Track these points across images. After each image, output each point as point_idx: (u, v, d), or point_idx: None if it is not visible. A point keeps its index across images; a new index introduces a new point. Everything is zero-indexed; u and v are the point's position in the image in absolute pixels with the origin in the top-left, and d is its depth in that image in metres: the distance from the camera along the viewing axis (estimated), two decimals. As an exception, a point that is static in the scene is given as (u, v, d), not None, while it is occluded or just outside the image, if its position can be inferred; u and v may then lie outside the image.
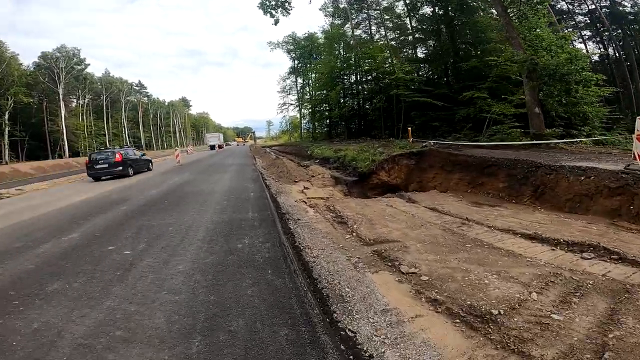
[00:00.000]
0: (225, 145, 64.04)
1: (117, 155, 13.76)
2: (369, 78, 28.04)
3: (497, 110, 14.95)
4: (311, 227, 5.49)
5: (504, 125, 14.31)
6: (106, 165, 13.76)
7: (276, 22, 22.75)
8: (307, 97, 46.68)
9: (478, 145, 11.85)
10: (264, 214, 5.96)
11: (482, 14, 23.02)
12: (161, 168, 17.28)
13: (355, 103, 27.30)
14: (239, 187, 8.84)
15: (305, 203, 7.68)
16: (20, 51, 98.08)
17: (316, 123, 42.12)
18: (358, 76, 30.45)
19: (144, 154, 18.25)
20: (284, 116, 54.58)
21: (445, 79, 24.83)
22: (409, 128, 14.47)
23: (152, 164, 17.72)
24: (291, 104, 50.15)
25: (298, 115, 52.45)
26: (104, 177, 13.79)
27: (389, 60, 22.35)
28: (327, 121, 38.70)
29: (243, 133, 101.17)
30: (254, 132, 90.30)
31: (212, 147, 51.57)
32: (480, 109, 17.43)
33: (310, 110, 43.82)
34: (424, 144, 11.97)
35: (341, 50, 31.83)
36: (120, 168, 13.67)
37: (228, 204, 6.77)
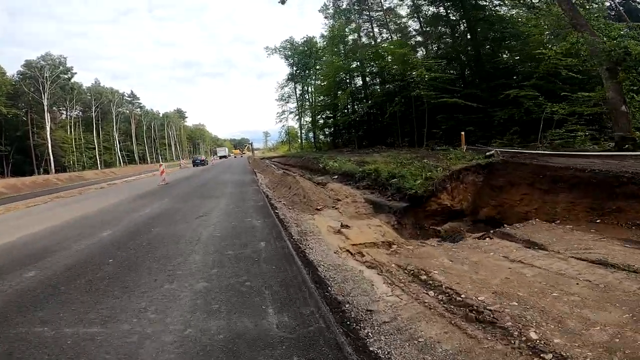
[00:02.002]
0: (223, 158, 69.24)
1: (202, 158, 47.38)
2: (378, 80, 25.19)
3: (560, 111, 12.06)
4: (416, 339, 2.38)
5: (580, 127, 11.40)
6: (199, 161, 40.82)
7: (283, 0, 20.21)
8: (307, 104, 43.95)
9: (557, 154, 8.81)
10: (301, 314, 2.61)
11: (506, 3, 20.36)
12: (140, 189, 14.04)
13: (365, 108, 24.28)
14: (239, 228, 5.59)
15: (353, 256, 4.56)
16: (15, 63, 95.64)
17: (318, 132, 39.23)
18: (366, 79, 27.72)
19: (205, 158, 51.39)
20: (283, 125, 51.58)
21: (461, 80, 21.93)
22: (462, 133, 11.46)
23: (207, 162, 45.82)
24: (291, 112, 47.25)
25: (297, 125, 49.62)
26: (198, 165, 38.53)
27: (406, 57, 19.43)
28: (332, 129, 35.83)
29: (240, 144, 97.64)
30: (251, 144, 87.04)
31: (222, 157, 66.17)
32: (527, 109, 14.59)
33: (311, 118, 41.06)
34: (487, 153, 8.93)
35: (342, 53, 29.16)
36: (205, 162, 42.32)
37: (220, 275, 3.42)
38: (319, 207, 7.90)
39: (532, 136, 14.86)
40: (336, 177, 12.11)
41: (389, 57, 20.78)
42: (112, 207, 8.95)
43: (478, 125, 16.99)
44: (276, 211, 7.12)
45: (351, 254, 4.60)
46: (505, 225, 6.32)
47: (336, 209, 8.12)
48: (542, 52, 13.86)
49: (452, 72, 21.42)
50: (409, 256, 4.24)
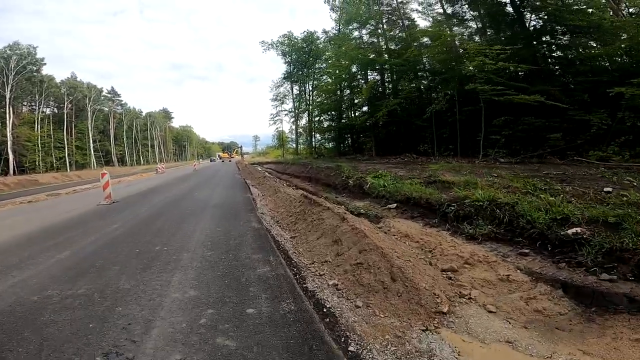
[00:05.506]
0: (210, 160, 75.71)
1: (214, 158, 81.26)
2: (410, 75, 20.63)
3: None
4: None
5: None
6: (213, 159, 76.50)
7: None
8: (303, 105, 39.43)
9: None
10: None
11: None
12: (69, 210, 8.85)
13: (394, 105, 19.55)
14: None
15: None
16: None
17: (321, 135, 34.64)
18: (385, 73, 23.24)
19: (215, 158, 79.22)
20: (277, 128, 46.76)
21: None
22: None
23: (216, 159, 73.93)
24: (288, 112, 42.57)
25: (289, 129, 45.05)
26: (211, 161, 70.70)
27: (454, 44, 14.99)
28: (335, 133, 31.20)
29: (229, 148, 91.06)
30: (241, 147, 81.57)
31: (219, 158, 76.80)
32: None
33: (308, 120, 36.49)
34: None
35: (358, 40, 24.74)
36: (216, 160, 72.43)
37: None
38: (441, 307, 3.11)
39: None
40: (393, 205, 7.31)
41: (429, 42, 16.28)
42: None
43: (559, 131, 12.61)
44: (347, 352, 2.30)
45: None
46: None
47: (475, 302, 3.35)
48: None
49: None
50: None
